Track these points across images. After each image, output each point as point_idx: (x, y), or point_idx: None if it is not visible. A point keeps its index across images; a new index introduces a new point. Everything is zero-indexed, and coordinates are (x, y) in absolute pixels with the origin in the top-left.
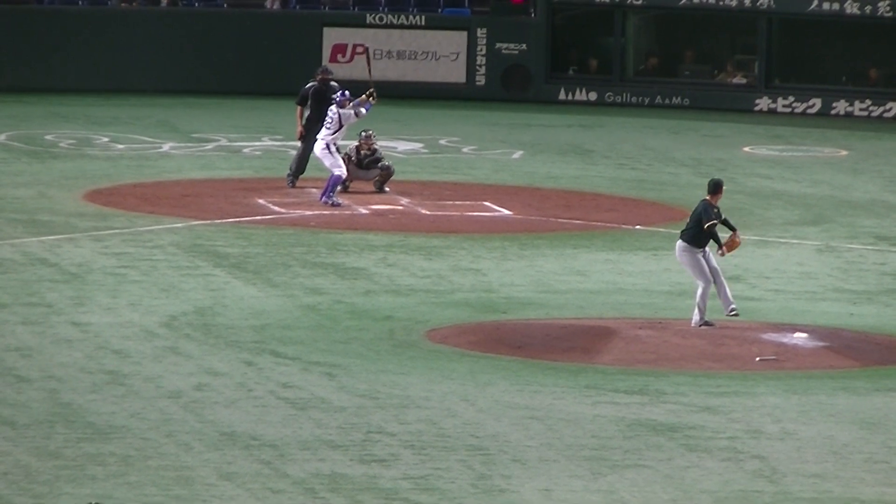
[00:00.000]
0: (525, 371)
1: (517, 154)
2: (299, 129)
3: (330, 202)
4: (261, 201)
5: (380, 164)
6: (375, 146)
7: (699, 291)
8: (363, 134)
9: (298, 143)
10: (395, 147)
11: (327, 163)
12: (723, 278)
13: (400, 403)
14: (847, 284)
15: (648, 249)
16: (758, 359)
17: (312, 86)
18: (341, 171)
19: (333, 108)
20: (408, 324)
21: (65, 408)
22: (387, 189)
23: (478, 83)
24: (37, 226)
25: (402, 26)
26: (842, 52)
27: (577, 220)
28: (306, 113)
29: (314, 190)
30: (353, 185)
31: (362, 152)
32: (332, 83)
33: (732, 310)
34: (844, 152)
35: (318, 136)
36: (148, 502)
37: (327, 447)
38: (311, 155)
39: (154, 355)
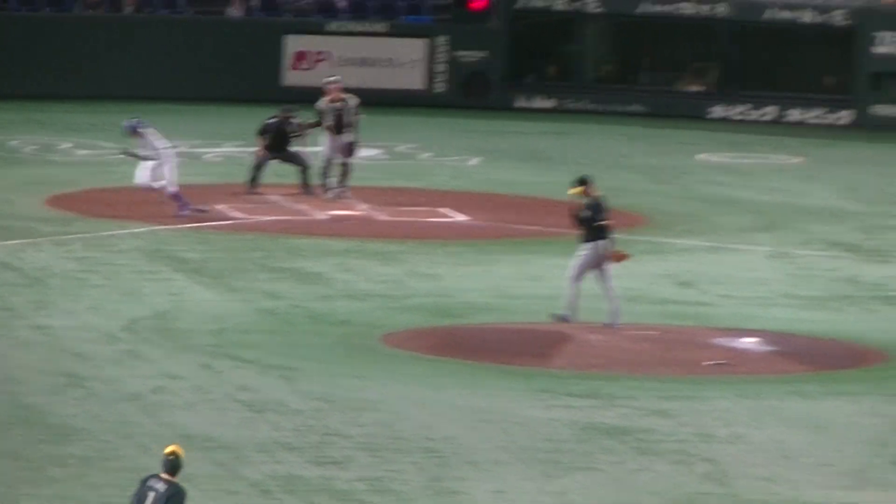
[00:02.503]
0: (479, 375)
1: (474, 160)
2: (259, 149)
3: (188, 211)
4: (220, 207)
5: (349, 146)
6: (345, 96)
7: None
8: (331, 81)
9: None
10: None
11: (157, 184)
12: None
13: (355, 406)
14: (798, 290)
15: None
16: (705, 363)
17: (274, 119)
18: (163, 182)
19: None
20: (364, 328)
21: (25, 410)
22: (348, 193)
23: (437, 90)
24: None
25: (363, 34)
26: (797, 61)
27: (533, 227)
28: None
29: (274, 197)
30: (310, 193)
31: (336, 104)
32: (293, 120)
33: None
34: (798, 159)
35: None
36: (105, 499)
37: (283, 449)
38: (264, 165)
39: (114, 358)
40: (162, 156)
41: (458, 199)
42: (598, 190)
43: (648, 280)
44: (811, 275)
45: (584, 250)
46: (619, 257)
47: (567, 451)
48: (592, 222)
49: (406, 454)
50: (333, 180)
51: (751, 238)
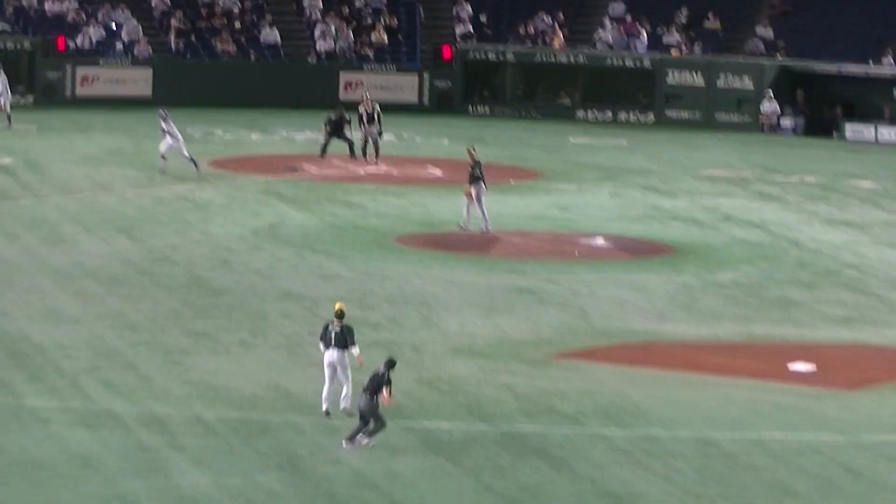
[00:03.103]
0: (450, 260)
1: (445, 141)
2: (324, 135)
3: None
4: (305, 166)
5: (377, 133)
6: (372, 103)
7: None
8: (365, 95)
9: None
10: (380, 138)
11: (164, 149)
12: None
13: (381, 277)
14: (625, 213)
15: (517, 193)
16: (577, 253)
17: (336, 116)
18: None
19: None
20: (385, 233)
21: (196, 278)
22: (378, 161)
23: (425, 103)
24: (180, 180)
25: (382, 71)
26: (624, 86)
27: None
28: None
29: (335, 161)
30: (356, 159)
31: (367, 111)
32: (343, 115)
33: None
34: (624, 141)
35: (171, 140)
36: (241, 328)
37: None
38: (329, 143)
39: (245, 250)
40: (175, 134)
41: (436, 163)
42: (477, 155)
43: (543, 207)
44: (633, 204)
45: (474, 190)
46: (468, 194)
47: (499, 302)
48: (474, 174)
49: (408, 304)
50: (370, 152)
51: (599, 184)
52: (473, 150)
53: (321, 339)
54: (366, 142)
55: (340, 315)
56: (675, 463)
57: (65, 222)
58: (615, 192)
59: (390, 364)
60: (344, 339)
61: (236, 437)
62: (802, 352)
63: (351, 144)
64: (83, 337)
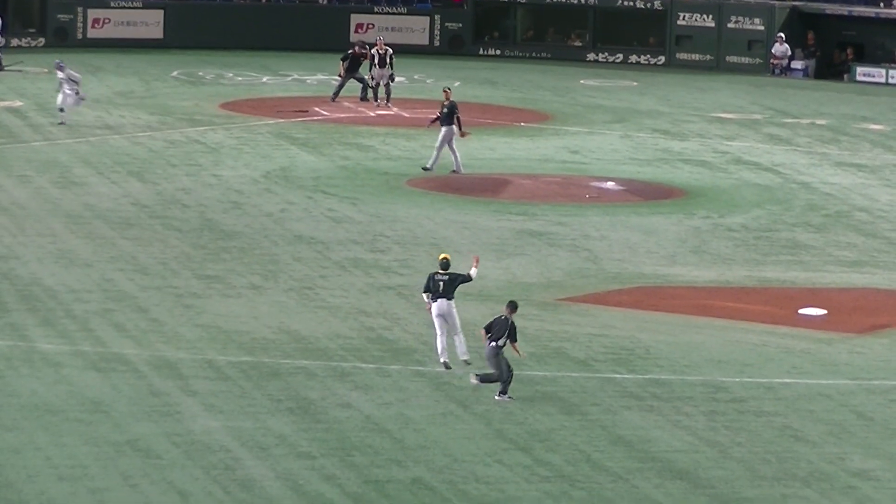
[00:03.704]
0: (461, 202)
1: (457, 83)
2: (341, 71)
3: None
4: (316, 108)
5: (389, 76)
6: (386, 46)
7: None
8: (379, 38)
9: (338, 77)
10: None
11: (70, 101)
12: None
13: (392, 219)
14: (636, 155)
15: (527, 136)
16: (587, 196)
17: (351, 51)
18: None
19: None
20: (396, 176)
21: (208, 221)
22: (389, 104)
23: (435, 45)
24: (193, 122)
25: (394, 13)
26: (635, 28)
27: (489, 120)
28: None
29: (346, 103)
30: (366, 102)
31: (380, 52)
32: (362, 51)
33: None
34: (635, 83)
35: (69, 92)
36: (252, 272)
37: (352, 243)
38: (342, 86)
39: (257, 193)
40: (70, 85)
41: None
42: (452, 96)
43: (553, 150)
44: (643, 147)
45: (443, 130)
46: (464, 134)
47: (509, 245)
48: (449, 115)
49: (420, 246)
50: (381, 94)
51: (609, 127)
52: (449, 90)
53: (425, 290)
54: (377, 84)
55: (446, 265)
56: (685, 407)
57: (76, 165)
58: (625, 134)
59: (513, 307)
60: (452, 289)
61: (247, 381)
62: (812, 296)
63: (364, 85)
64: (94, 280)
